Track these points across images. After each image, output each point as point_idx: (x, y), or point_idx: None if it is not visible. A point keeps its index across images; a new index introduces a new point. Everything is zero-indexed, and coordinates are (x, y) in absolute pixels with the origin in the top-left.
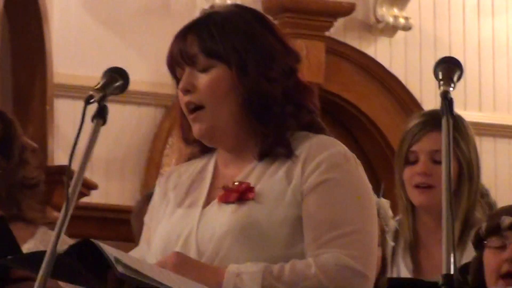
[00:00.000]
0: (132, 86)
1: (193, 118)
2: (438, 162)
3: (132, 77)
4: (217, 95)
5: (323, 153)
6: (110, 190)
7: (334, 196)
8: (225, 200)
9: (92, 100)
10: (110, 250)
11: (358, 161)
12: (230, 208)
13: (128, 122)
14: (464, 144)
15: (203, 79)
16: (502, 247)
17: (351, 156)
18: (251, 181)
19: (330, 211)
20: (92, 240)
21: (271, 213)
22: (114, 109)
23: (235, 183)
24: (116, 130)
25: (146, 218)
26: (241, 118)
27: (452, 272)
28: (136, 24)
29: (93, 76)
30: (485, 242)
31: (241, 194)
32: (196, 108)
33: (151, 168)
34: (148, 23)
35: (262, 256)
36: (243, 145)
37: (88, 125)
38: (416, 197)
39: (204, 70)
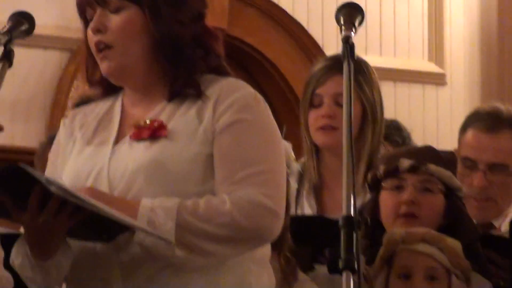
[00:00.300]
0: (37, 30)
1: (102, 56)
2: (342, 105)
3: (38, 21)
4: (128, 35)
5: (234, 94)
6: (16, 132)
7: (246, 136)
8: (137, 137)
9: None
10: (39, 174)
11: (266, 103)
12: (142, 145)
13: (34, 65)
14: (367, 87)
15: (114, 20)
16: (399, 188)
17: (261, 98)
18: (162, 119)
19: (242, 150)
20: (20, 164)
21: (184, 150)
22: (20, 53)
23: (147, 121)
24: (22, 73)
25: (51, 156)
26: (151, 59)
27: (352, 213)
28: None
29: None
30: (382, 183)
31: (154, 131)
32: (106, 47)
33: (56, 111)
34: None
35: (174, 193)
36: (152, 85)
37: None
38: (320, 139)
39: (116, 11)
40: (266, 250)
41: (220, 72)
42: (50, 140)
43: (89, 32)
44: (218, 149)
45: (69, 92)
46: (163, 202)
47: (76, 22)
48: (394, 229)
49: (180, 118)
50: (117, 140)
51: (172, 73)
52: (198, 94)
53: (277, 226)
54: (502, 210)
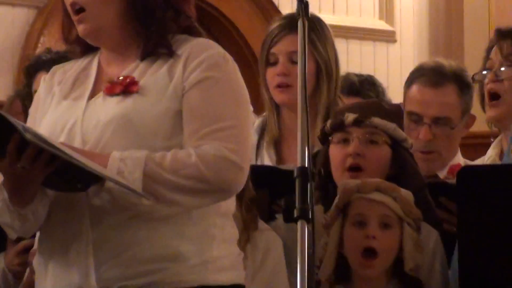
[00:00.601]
0: None
1: (78, 19)
2: (296, 63)
3: None
4: (101, 0)
5: (204, 53)
6: None
7: (214, 92)
8: (110, 92)
9: None
10: (16, 121)
11: (235, 63)
12: (115, 100)
13: (1, 21)
14: (321, 44)
15: None
16: (346, 142)
17: (230, 57)
18: (135, 76)
19: (210, 106)
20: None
21: (154, 106)
22: None
23: (120, 78)
24: None
25: (31, 111)
26: (124, 21)
27: (306, 164)
28: None
29: None
30: (331, 137)
31: (126, 87)
32: (81, 9)
33: (24, 66)
34: None
35: (142, 146)
36: (126, 45)
37: None
38: (277, 96)
39: None
40: (230, 205)
41: (192, 32)
42: (17, 94)
43: None
44: (187, 105)
45: (36, 48)
46: (132, 153)
47: None
48: (349, 180)
49: (152, 76)
50: (92, 95)
51: (144, 33)
52: (169, 53)
53: (241, 179)
54: (446, 162)
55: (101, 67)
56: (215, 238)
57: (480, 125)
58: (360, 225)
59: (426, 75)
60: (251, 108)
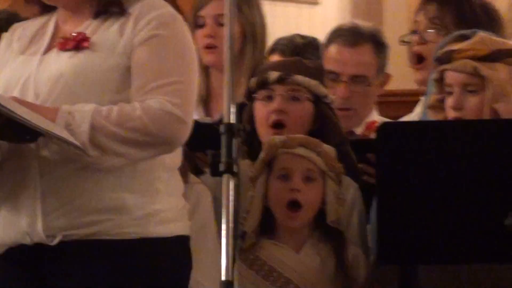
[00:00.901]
0: None
1: None
2: (223, 25)
3: None
4: None
5: (153, 12)
6: None
7: (162, 50)
8: (63, 47)
9: None
10: None
11: (184, 23)
12: (67, 54)
13: None
14: (247, 8)
15: None
16: (269, 98)
17: (178, 17)
18: (88, 33)
19: (157, 62)
20: None
21: (103, 61)
22: None
23: (73, 34)
24: None
25: None
26: None
27: (232, 121)
28: None
29: None
30: (255, 95)
31: (78, 43)
32: None
33: None
34: None
35: (93, 99)
36: (80, 4)
37: None
38: (204, 57)
39: None
40: (176, 158)
41: None
42: None
43: None
44: (135, 61)
45: None
46: (80, 107)
47: None
48: (275, 135)
49: (103, 33)
50: (46, 51)
51: None
52: (121, 11)
53: (184, 133)
54: (362, 119)
55: (58, 25)
56: (159, 191)
57: (412, 84)
58: (284, 179)
59: (344, 35)
60: (197, 67)
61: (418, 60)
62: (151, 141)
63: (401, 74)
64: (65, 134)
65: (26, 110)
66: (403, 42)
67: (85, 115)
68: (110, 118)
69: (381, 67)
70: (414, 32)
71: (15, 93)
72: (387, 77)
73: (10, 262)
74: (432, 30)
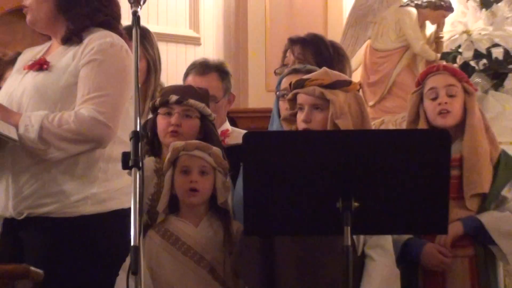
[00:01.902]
0: None
1: (25, 12)
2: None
3: None
4: (38, 1)
5: (97, 41)
6: None
7: (97, 70)
8: (30, 68)
9: None
10: None
11: (125, 49)
12: (32, 74)
13: None
14: (150, 47)
15: None
16: (169, 114)
17: (117, 45)
18: (52, 58)
19: (92, 79)
20: None
21: (58, 79)
22: None
23: (37, 58)
24: None
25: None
26: (53, 15)
27: (138, 129)
28: None
29: None
30: (158, 110)
31: (40, 65)
32: (26, 8)
33: None
34: None
35: (51, 110)
36: (56, 34)
37: None
38: None
39: None
40: (114, 150)
41: (107, 26)
42: None
43: None
44: (79, 79)
45: None
46: (36, 112)
47: None
48: (177, 141)
49: (61, 57)
50: (28, 71)
51: (67, 26)
52: (79, 41)
53: (108, 135)
54: (217, 127)
55: (50, 49)
56: (97, 178)
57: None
58: (185, 173)
59: (196, 67)
60: (129, 84)
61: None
62: (82, 139)
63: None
64: (6, 131)
65: None
66: (275, 73)
67: (38, 119)
68: (53, 122)
69: (226, 89)
70: (284, 65)
71: (5, 103)
72: (232, 97)
73: (5, 229)
74: (297, 64)
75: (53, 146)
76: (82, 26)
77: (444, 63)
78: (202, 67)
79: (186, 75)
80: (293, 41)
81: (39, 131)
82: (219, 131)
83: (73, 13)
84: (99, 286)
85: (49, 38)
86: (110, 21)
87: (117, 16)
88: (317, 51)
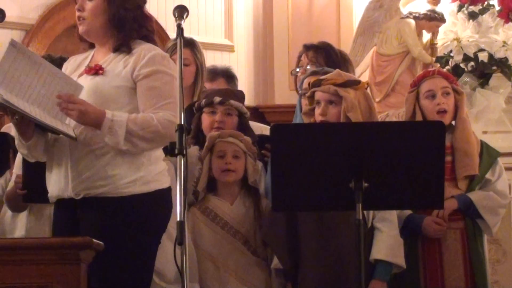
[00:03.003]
0: (7, 19)
1: (79, 24)
2: (186, 65)
3: (7, 13)
4: (94, 13)
5: (149, 53)
6: None
7: (161, 81)
8: (87, 73)
9: None
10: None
11: (170, 59)
12: (89, 78)
13: (6, 38)
14: (198, 53)
15: (88, 5)
16: (213, 113)
17: (167, 55)
18: (105, 64)
19: (160, 90)
20: None
21: (111, 82)
22: None
23: (94, 64)
24: None
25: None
26: (106, 27)
27: (182, 123)
28: None
29: None
30: (203, 109)
31: (96, 71)
32: (82, 19)
33: None
34: None
35: (104, 106)
36: (106, 43)
37: None
38: None
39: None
40: (158, 151)
41: (148, 40)
42: None
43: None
44: (143, 88)
45: None
46: (118, 116)
47: (28, 14)
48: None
49: (114, 64)
50: (81, 75)
51: (117, 37)
52: (128, 51)
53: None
54: None
55: (93, 56)
56: (143, 164)
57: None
58: (221, 157)
59: (205, 75)
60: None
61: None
62: (159, 139)
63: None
64: (60, 126)
65: (37, 111)
66: (291, 73)
67: (122, 124)
68: (136, 125)
69: None
70: (299, 67)
71: None
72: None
73: (60, 208)
74: (311, 65)
75: (134, 145)
76: (130, 38)
77: (438, 66)
78: (210, 74)
79: None
80: (307, 47)
81: (125, 135)
82: None
83: (123, 27)
84: (146, 253)
85: (90, 47)
86: (150, 35)
87: (153, 31)
88: (327, 55)
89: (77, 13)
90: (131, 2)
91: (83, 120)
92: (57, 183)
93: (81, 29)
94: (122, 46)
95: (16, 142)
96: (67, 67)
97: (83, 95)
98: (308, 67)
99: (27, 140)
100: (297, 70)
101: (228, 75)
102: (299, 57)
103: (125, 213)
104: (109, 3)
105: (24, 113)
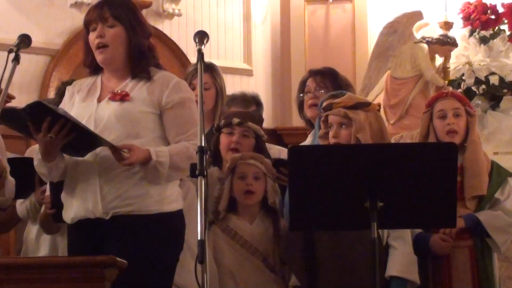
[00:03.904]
0: (33, 44)
1: (100, 51)
2: (206, 89)
3: (33, 39)
4: (117, 41)
5: (173, 80)
6: (19, 100)
7: (187, 108)
8: (113, 98)
9: (12, 51)
10: (55, 106)
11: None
12: (116, 103)
13: (31, 63)
14: (218, 77)
15: (110, 32)
16: (231, 134)
17: (185, 82)
18: (128, 89)
19: (187, 117)
20: (42, 101)
21: (138, 108)
22: (23, 56)
23: (118, 90)
24: (24, 67)
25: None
26: (127, 55)
27: (203, 144)
28: (37, 9)
29: (11, 38)
30: (222, 130)
31: (122, 97)
32: (103, 46)
33: (43, 88)
34: (45, 12)
35: (134, 132)
36: (122, 70)
37: (9, 65)
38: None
39: (111, 26)
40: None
41: (159, 67)
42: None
43: (91, 36)
44: (174, 116)
45: (50, 78)
46: (161, 152)
47: (53, 40)
48: (235, 153)
49: (138, 90)
50: (99, 100)
51: (135, 63)
52: (148, 77)
53: None
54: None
55: (103, 82)
56: (168, 184)
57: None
58: (242, 178)
59: (238, 101)
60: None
61: (311, 105)
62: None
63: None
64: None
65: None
66: (297, 99)
67: (165, 164)
68: (177, 156)
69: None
70: (306, 92)
71: (91, 126)
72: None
73: (79, 229)
74: (322, 91)
75: (171, 178)
76: (149, 65)
77: (451, 89)
78: (243, 101)
79: (229, 107)
80: (315, 72)
81: (167, 174)
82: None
83: (143, 55)
84: (168, 270)
85: (94, 73)
86: (159, 63)
87: (159, 59)
88: (334, 79)
89: (98, 40)
90: (146, 31)
91: (128, 165)
92: (83, 204)
93: (102, 56)
94: (142, 73)
95: (36, 162)
96: (73, 91)
97: (112, 120)
98: (321, 91)
99: (50, 161)
100: (301, 95)
101: (258, 103)
102: (303, 82)
103: (152, 231)
104: (129, 32)
105: (77, 122)
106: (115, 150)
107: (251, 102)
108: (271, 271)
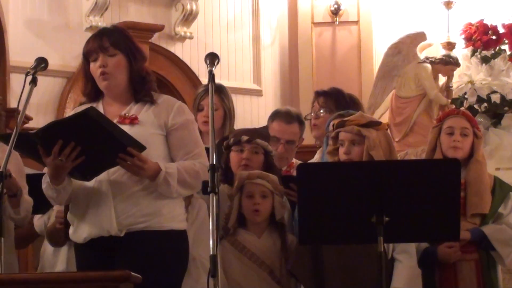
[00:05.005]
0: (49, 67)
1: (103, 78)
2: (215, 110)
3: (50, 62)
4: (119, 69)
5: (176, 104)
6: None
7: (191, 129)
8: (122, 122)
9: (29, 74)
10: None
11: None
12: (126, 127)
13: (48, 85)
14: (226, 99)
15: (112, 61)
16: (241, 151)
17: (186, 105)
18: (133, 113)
19: (192, 138)
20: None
21: (148, 130)
22: (40, 78)
23: (126, 114)
24: (42, 89)
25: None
26: (129, 81)
27: (214, 162)
28: (53, 33)
29: (29, 61)
30: (232, 147)
31: (132, 120)
32: (106, 74)
33: (60, 109)
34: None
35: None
36: (124, 95)
37: (27, 87)
38: (202, 127)
39: (112, 55)
40: None
41: (156, 91)
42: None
43: (93, 66)
44: (179, 137)
45: (67, 99)
46: (170, 169)
47: (69, 63)
48: (242, 171)
49: (144, 114)
50: None
51: (137, 88)
52: (152, 101)
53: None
54: (289, 161)
55: (104, 107)
56: (176, 204)
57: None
58: (250, 198)
59: (282, 116)
60: None
61: (313, 125)
62: (199, 184)
63: (310, 135)
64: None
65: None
66: (305, 118)
67: (174, 175)
68: (186, 174)
69: (301, 135)
70: (311, 113)
71: None
72: (302, 140)
73: (91, 248)
74: (322, 111)
75: (181, 193)
76: (150, 90)
77: (453, 107)
78: (287, 117)
79: (272, 120)
80: (318, 94)
81: (177, 186)
82: (288, 162)
83: (145, 79)
84: (177, 285)
85: (93, 100)
86: (156, 87)
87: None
88: (337, 100)
89: (101, 69)
90: (143, 55)
91: (140, 173)
92: (95, 224)
93: (106, 83)
94: (146, 97)
95: (44, 185)
96: None
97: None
98: (321, 111)
99: (59, 184)
100: (306, 115)
101: (300, 120)
102: (313, 102)
103: (164, 246)
104: (130, 59)
105: (111, 123)
106: (137, 152)
107: (294, 118)
108: (277, 283)
